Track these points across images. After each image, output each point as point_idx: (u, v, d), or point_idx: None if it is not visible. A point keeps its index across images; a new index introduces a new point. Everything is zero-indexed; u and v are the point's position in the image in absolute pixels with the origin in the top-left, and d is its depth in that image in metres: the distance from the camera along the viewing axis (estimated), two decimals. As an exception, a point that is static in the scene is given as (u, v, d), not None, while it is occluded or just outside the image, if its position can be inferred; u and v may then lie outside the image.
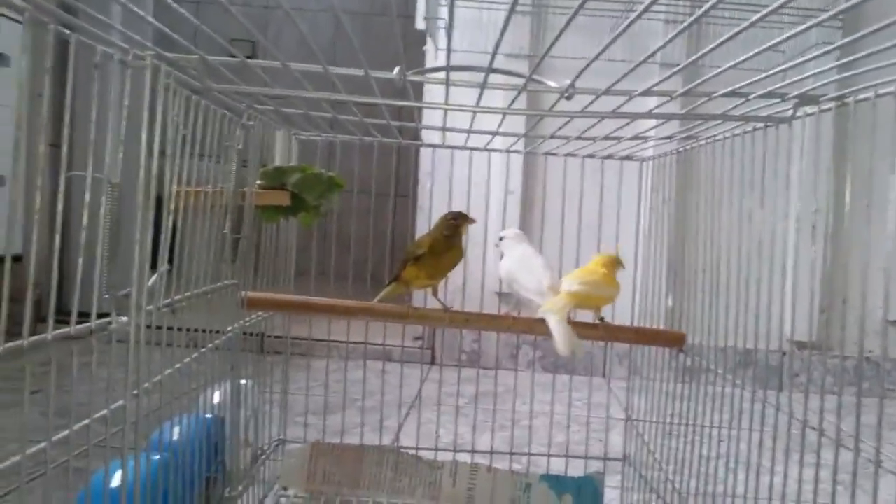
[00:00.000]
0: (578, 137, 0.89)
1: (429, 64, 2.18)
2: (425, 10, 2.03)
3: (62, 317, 0.49)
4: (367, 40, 3.61)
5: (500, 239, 1.00)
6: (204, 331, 0.79)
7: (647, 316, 1.12)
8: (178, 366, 0.70)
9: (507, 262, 0.96)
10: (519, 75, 0.66)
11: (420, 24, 2.09)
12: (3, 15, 0.37)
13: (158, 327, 0.63)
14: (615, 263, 0.95)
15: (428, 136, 1.18)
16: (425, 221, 2.14)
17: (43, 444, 0.49)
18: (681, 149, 0.98)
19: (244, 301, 0.91)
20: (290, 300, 0.95)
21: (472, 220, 0.98)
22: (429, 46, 2.17)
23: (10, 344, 0.45)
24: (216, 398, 0.89)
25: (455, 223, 0.96)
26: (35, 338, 0.47)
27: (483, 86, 0.62)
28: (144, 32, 0.60)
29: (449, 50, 0.54)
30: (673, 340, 0.98)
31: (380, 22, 3.70)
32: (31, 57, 0.47)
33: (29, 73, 0.47)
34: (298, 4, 3.55)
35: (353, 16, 3.73)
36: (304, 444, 1.09)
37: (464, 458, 1.14)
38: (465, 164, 1.12)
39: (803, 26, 0.51)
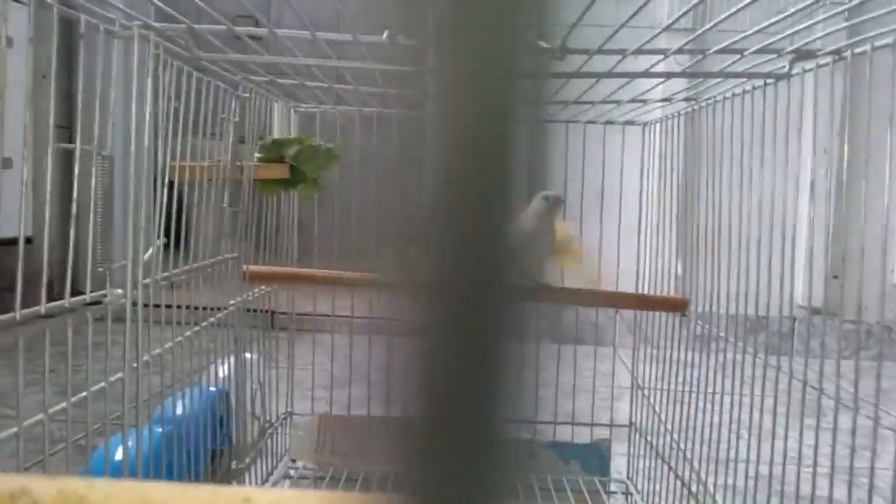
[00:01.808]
0: (576, 102, 0.87)
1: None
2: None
3: (76, 297, 0.49)
4: (370, 11, 3.57)
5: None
6: (205, 308, 0.79)
7: (656, 283, 1.11)
8: (178, 339, 0.70)
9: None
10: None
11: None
12: None
13: (157, 305, 0.63)
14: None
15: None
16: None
17: (40, 416, 0.49)
18: (683, 111, 0.97)
19: (245, 274, 0.91)
20: (291, 272, 0.95)
21: None
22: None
23: (2, 317, 0.45)
24: (221, 372, 0.89)
25: None
26: (28, 310, 0.47)
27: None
28: (146, 11, 0.60)
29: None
30: (675, 306, 0.98)
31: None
32: (35, 38, 0.47)
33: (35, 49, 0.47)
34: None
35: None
36: (312, 416, 1.09)
37: (470, 427, 1.14)
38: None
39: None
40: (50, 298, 0.46)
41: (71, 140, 0.52)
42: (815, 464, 0.65)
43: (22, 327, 0.47)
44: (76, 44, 0.51)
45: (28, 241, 0.47)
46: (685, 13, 0.53)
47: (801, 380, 0.71)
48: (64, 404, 0.52)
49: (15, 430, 0.46)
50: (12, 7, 0.45)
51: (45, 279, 0.51)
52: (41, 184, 0.50)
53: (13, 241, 0.46)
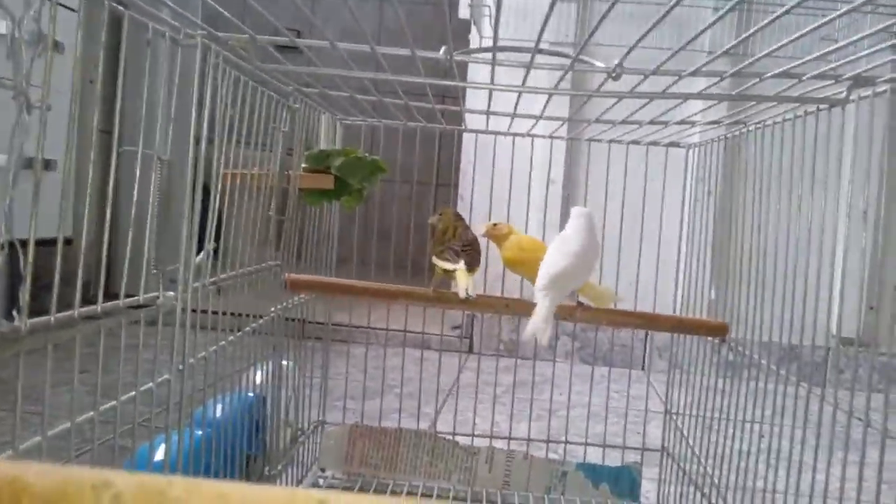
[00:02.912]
0: (623, 122, 0.87)
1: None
2: (470, -1, 2.02)
3: (109, 300, 0.50)
4: (411, 29, 3.61)
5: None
6: (246, 315, 0.80)
7: (689, 307, 1.10)
8: (222, 343, 0.71)
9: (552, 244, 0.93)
10: (565, 55, 0.65)
11: (464, 12, 2.08)
12: (60, 4, 0.38)
13: (203, 311, 0.64)
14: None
15: (471, 122, 1.18)
16: (466, 211, 2.14)
17: (90, 414, 0.50)
18: (728, 135, 0.96)
19: (286, 282, 0.92)
20: (331, 282, 0.96)
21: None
22: (473, 35, 2.17)
23: (62, 314, 0.46)
24: (258, 377, 0.90)
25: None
26: (85, 309, 0.48)
27: (529, 66, 0.62)
28: (194, 11, 0.61)
29: (496, 29, 0.54)
30: (714, 330, 0.97)
31: (424, 10, 3.70)
32: (84, 38, 0.48)
33: (82, 53, 0.48)
34: (344, -7, 3.56)
35: (399, 4, 3.73)
36: (342, 426, 1.10)
37: (500, 444, 1.14)
38: (507, 152, 1.12)
39: (851, 5, 0.49)
40: (85, 300, 0.47)
41: (114, 143, 0.53)
42: (842, 496, 0.64)
43: (78, 326, 0.48)
44: (120, 48, 0.52)
45: (68, 242, 0.47)
46: (741, 41, 0.53)
47: (846, 410, 0.70)
48: (114, 402, 0.53)
49: (68, 423, 0.47)
50: (62, 11, 0.46)
51: (80, 279, 0.52)
52: (83, 185, 0.51)
53: (52, 242, 0.47)
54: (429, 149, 1.19)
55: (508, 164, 1.14)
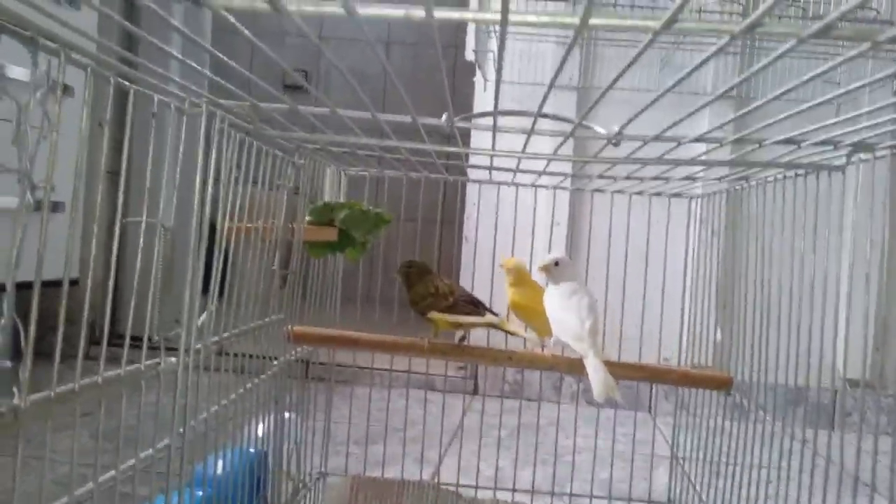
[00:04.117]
0: (626, 178, 0.88)
1: (478, 95, 2.19)
2: (474, 43, 2.04)
3: (116, 340, 0.50)
4: (416, 71, 3.66)
5: (556, 264, 0.96)
6: (249, 365, 0.80)
7: (694, 350, 1.10)
8: (224, 402, 0.71)
9: (553, 301, 0.94)
10: (567, 120, 0.66)
11: (469, 55, 2.10)
12: (72, 49, 0.39)
13: (206, 368, 0.64)
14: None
15: (474, 172, 1.19)
16: (471, 251, 2.14)
17: (90, 485, 0.50)
18: (731, 188, 0.96)
19: (290, 335, 0.92)
20: (335, 335, 0.96)
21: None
22: (478, 78, 2.19)
23: (62, 388, 0.46)
24: (260, 431, 0.89)
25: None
26: (86, 381, 0.49)
27: (530, 133, 0.62)
28: (200, 80, 0.62)
29: (497, 99, 0.54)
30: (720, 384, 0.96)
31: (430, 54, 3.74)
32: (91, 103, 0.48)
33: (88, 123, 0.48)
34: (352, 34, 3.61)
35: (403, 46, 3.77)
36: (344, 478, 1.09)
37: (504, 496, 1.13)
38: (511, 196, 1.12)
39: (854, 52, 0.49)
40: (92, 341, 0.47)
41: (121, 191, 0.53)
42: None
43: (80, 395, 0.48)
44: (126, 99, 0.53)
45: (73, 282, 0.47)
46: (738, 84, 0.53)
47: (836, 463, 0.69)
48: (113, 472, 0.53)
49: (66, 499, 0.47)
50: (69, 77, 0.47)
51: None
52: (88, 230, 0.51)
53: (57, 284, 0.46)
54: (433, 191, 1.20)
55: (513, 208, 1.15)
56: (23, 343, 0.42)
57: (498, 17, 0.36)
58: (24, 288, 0.40)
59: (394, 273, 0.98)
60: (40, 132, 0.41)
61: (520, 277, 1.00)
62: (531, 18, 0.37)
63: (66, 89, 0.42)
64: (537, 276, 1.01)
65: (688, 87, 0.59)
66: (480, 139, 2.05)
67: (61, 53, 0.43)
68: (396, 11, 0.38)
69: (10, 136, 0.40)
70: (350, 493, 1.06)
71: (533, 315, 0.98)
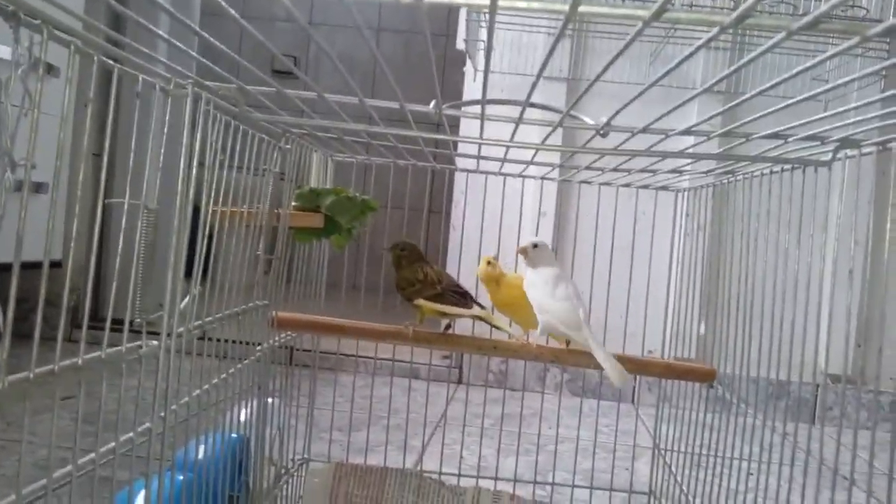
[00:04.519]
0: (614, 170, 0.88)
1: (467, 85, 2.18)
2: (465, 32, 2.03)
3: (97, 323, 0.49)
4: (406, 59, 3.65)
5: (534, 246, 0.95)
6: (233, 350, 0.80)
7: (678, 342, 1.11)
8: (206, 387, 0.71)
9: (537, 291, 0.93)
10: (555, 110, 0.66)
11: (460, 44, 2.10)
12: (57, 27, 0.38)
13: (188, 352, 0.63)
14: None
15: (462, 161, 1.19)
16: (457, 239, 2.14)
17: (69, 468, 0.49)
18: (717, 182, 0.97)
19: (274, 321, 0.91)
20: (319, 321, 0.96)
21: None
22: (468, 67, 2.18)
23: (41, 369, 0.46)
24: (242, 416, 0.89)
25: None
26: (66, 362, 0.48)
27: (518, 121, 0.62)
28: (188, 61, 0.61)
29: (485, 88, 0.54)
30: (703, 376, 0.97)
31: (421, 42, 3.72)
32: (75, 85, 0.48)
33: (72, 102, 0.48)
34: (342, 20, 3.59)
35: (395, 34, 3.75)
36: (327, 465, 1.09)
37: (487, 484, 1.13)
38: (498, 185, 1.12)
39: (841, 47, 0.49)
40: (74, 324, 0.47)
41: (103, 172, 0.53)
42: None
43: (60, 377, 0.48)
44: (111, 79, 0.52)
45: (56, 264, 0.47)
46: (724, 77, 0.53)
47: (816, 458, 0.70)
48: (93, 455, 0.52)
49: (44, 482, 0.47)
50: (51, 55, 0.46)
51: (65, 304, 0.52)
52: (71, 210, 0.51)
53: (37, 265, 0.46)
54: (421, 179, 1.20)
55: (500, 197, 1.14)
56: (0, 323, 0.42)
57: (488, 1, 0.35)
58: (5, 270, 0.40)
59: (383, 248, 0.97)
60: (20, 110, 0.40)
61: (500, 275, 0.99)
62: (521, 4, 0.37)
63: (51, 69, 0.41)
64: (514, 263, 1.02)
65: (677, 82, 0.60)
66: (469, 128, 2.04)
67: (44, 30, 0.42)
68: (386, -5, 0.38)
69: (-9, 113, 0.39)
70: (333, 479, 1.06)
71: (518, 309, 0.97)
